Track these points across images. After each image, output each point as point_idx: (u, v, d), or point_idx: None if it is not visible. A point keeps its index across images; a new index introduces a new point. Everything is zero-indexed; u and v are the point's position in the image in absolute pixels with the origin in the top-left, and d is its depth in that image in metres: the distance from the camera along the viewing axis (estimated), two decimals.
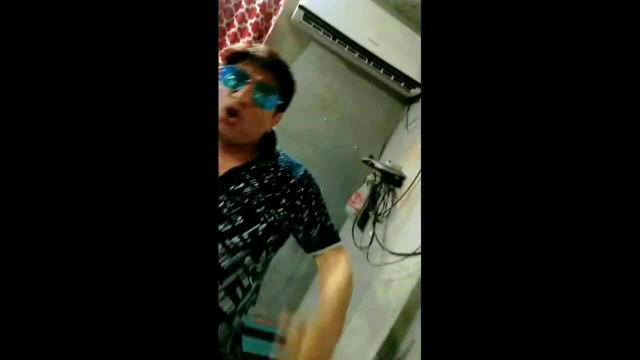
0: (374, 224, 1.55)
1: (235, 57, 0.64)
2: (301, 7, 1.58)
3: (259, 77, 0.61)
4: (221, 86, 0.62)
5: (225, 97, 0.60)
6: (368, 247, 1.51)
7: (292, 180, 0.67)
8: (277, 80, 0.65)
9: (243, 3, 1.57)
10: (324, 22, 1.61)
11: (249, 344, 1.39)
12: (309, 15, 1.60)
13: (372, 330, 1.17)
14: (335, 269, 0.67)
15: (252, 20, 1.58)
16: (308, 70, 1.81)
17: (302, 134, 1.83)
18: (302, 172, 0.69)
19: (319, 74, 1.83)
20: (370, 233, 1.52)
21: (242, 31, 1.58)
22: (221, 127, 0.60)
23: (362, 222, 1.67)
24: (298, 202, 0.66)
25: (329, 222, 0.70)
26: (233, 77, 0.61)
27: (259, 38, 1.60)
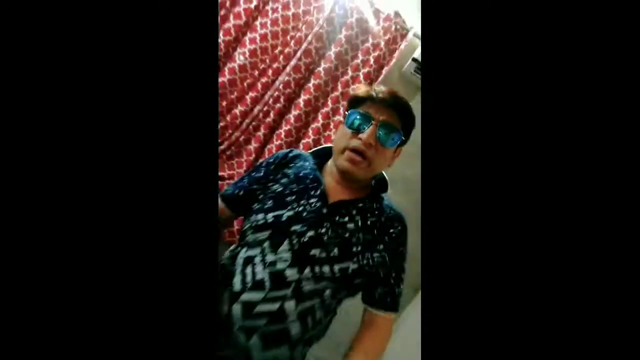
0: None
1: (358, 101, 0.68)
2: (414, 59, 1.63)
3: (382, 117, 0.65)
4: (346, 129, 0.67)
5: (351, 138, 0.65)
6: None
7: (392, 231, 0.67)
8: (399, 118, 0.68)
9: (359, 55, 1.70)
10: None
11: None
12: (421, 67, 1.63)
13: None
14: (377, 335, 0.66)
15: (365, 70, 1.69)
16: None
17: (396, 181, 1.80)
18: (401, 227, 0.69)
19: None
20: None
21: (354, 79, 1.70)
22: (348, 166, 0.65)
23: None
24: (389, 256, 0.66)
25: (399, 290, 0.70)
26: (358, 118, 0.65)
27: (369, 84, 1.70)
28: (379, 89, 0.68)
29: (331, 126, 1.68)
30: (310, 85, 1.71)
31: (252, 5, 1.70)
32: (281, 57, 1.73)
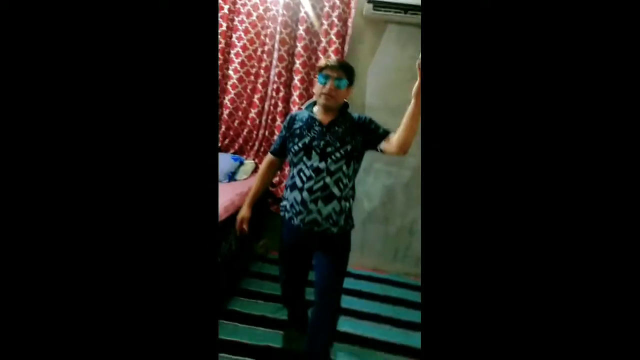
0: None
1: (322, 68, 1.22)
2: (369, 0, 1.84)
3: (335, 75, 1.18)
4: (319, 85, 1.21)
5: (322, 89, 1.19)
6: None
7: (364, 123, 1.23)
8: (344, 73, 1.19)
9: (324, 21, 1.95)
10: (392, 2, 1.81)
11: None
12: (377, 4, 1.84)
13: None
14: (395, 135, 1.15)
15: (334, 31, 1.94)
16: (391, 50, 2.03)
17: (404, 106, 2.03)
18: (364, 118, 1.25)
19: (400, 49, 2.01)
20: None
21: (329, 42, 1.96)
22: (323, 100, 1.19)
23: None
24: (366, 129, 1.22)
25: (385, 128, 1.23)
26: (323, 78, 1.19)
27: (342, 42, 1.94)
28: (332, 59, 1.22)
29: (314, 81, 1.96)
30: (298, 65, 1.99)
31: (224, 28, 2.03)
32: (264, 55, 2.03)
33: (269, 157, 1.33)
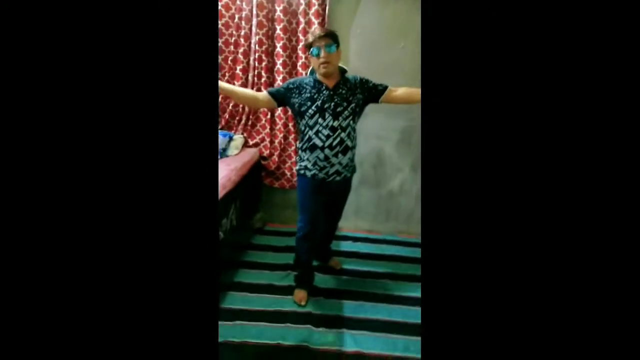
0: None
1: (310, 44, 1.35)
2: None
3: (323, 43, 1.33)
4: (314, 57, 1.36)
5: (318, 59, 1.35)
6: None
7: (360, 82, 1.44)
8: (330, 38, 1.33)
9: (301, 1, 1.85)
10: None
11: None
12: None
13: None
14: (400, 89, 1.45)
15: (314, 8, 1.84)
16: (371, 9, 1.96)
17: (389, 66, 2.02)
18: (359, 77, 1.45)
19: (381, 7, 1.95)
20: None
21: (309, 4, 1.87)
22: (324, 68, 1.35)
23: None
24: (365, 87, 1.43)
25: (382, 83, 1.47)
26: (315, 51, 1.34)
27: (322, 4, 1.86)
28: (315, 32, 1.35)
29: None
30: (279, 31, 1.91)
31: None
32: (242, 39, 1.93)
33: (262, 92, 1.46)
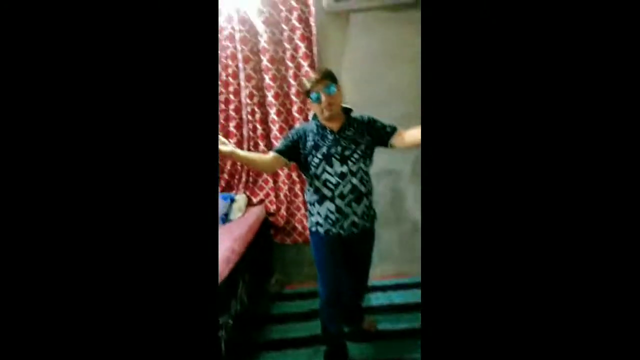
0: None
1: (308, 91, 1.22)
2: None
3: (322, 86, 1.20)
4: (315, 104, 1.23)
5: (319, 105, 1.21)
6: None
7: (367, 123, 1.28)
8: (329, 79, 1.21)
9: (284, 26, 1.77)
10: None
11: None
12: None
13: None
14: (409, 131, 1.23)
15: (298, 34, 1.77)
16: (359, 40, 1.86)
17: (388, 94, 1.88)
18: (367, 117, 1.31)
19: (369, 36, 1.85)
20: None
21: (296, 48, 1.78)
22: (327, 113, 1.20)
23: None
24: (372, 129, 1.28)
25: (390, 124, 1.30)
26: (315, 96, 1.21)
27: (309, 45, 1.77)
28: (312, 77, 1.24)
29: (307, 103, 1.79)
30: (268, 81, 1.82)
31: None
32: (230, 78, 1.84)
33: (269, 155, 1.26)
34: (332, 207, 1.21)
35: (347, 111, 1.28)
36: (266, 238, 1.88)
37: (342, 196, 1.20)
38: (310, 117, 1.34)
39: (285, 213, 1.91)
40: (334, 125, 1.23)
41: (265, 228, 1.85)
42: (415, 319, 1.62)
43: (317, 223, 1.26)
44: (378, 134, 1.25)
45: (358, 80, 1.89)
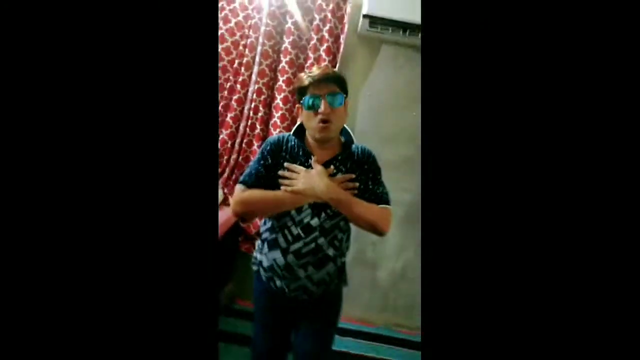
0: None
1: (303, 88, 0.86)
2: (365, 16, 1.63)
3: (325, 90, 0.84)
4: (307, 111, 0.86)
5: (314, 116, 0.85)
6: None
7: (365, 166, 0.91)
8: (336, 85, 0.86)
9: (313, 35, 1.71)
10: (390, 20, 1.61)
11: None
12: (374, 21, 1.63)
13: None
14: (381, 214, 0.87)
15: (324, 47, 1.70)
16: (385, 72, 1.82)
17: (398, 134, 1.82)
18: (371, 158, 0.93)
19: (396, 71, 1.81)
20: None
21: (318, 59, 1.71)
22: (321, 135, 0.86)
23: None
24: (370, 178, 0.91)
25: (386, 191, 0.93)
26: (311, 100, 0.84)
27: (333, 60, 1.70)
28: (313, 72, 0.87)
29: (296, 108, 1.70)
30: (281, 83, 1.72)
31: None
32: (242, 68, 1.74)
33: (240, 190, 0.88)
34: (282, 261, 0.86)
35: (347, 142, 0.93)
36: (232, 244, 1.70)
37: (298, 254, 0.85)
38: (292, 129, 0.95)
39: (259, 222, 1.75)
40: (322, 154, 0.87)
41: (234, 233, 1.68)
42: None
43: (261, 264, 0.93)
44: (367, 188, 0.89)
45: (374, 111, 1.83)
